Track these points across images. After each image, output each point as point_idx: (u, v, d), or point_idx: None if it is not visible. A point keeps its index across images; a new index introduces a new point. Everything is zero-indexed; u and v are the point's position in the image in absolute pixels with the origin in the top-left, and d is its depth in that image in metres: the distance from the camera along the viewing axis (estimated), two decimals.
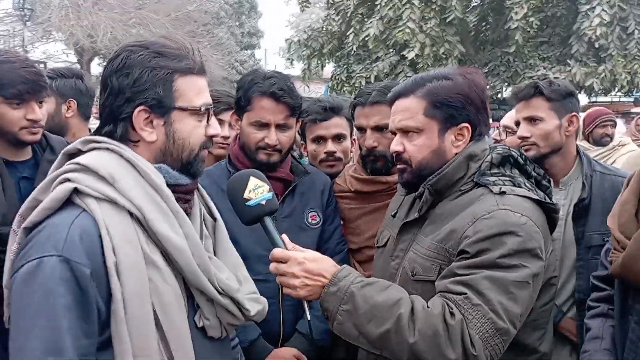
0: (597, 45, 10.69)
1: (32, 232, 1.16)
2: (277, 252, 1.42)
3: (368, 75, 11.80)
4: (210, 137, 1.35)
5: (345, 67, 12.66)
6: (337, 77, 12.89)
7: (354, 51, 12.10)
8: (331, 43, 12.82)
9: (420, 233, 1.56)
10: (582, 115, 4.48)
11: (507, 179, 1.50)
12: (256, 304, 1.38)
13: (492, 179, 1.49)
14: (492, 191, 1.46)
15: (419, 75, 1.59)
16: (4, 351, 1.34)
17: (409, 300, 1.35)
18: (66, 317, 1.08)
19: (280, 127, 1.99)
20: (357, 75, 12.09)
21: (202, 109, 1.29)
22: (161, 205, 1.21)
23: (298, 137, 2.85)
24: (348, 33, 12.07)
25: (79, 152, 1.26)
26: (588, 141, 4.59)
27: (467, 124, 1.53)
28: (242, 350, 1.88)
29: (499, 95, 11.99)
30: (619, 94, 12.13)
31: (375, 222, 2.03)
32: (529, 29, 10.71)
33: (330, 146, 2.36)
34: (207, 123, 1.33)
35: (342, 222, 2.23)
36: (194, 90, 1.29)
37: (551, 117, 2.16)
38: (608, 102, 12.25)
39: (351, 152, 2.53)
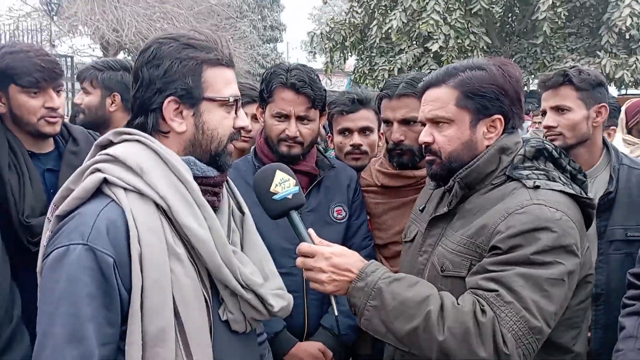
0: (627, 36, 10.40)
1: (64, 220, 1.20)
2: (304, 246, 1.41)
3: (391, 68, 11.67)
4: (239, 130, 1.35)
5: (367, 60, 12.56)
6: (359, 70, 12.80)
7: (377, 44, 11.99)
8: (354, 36, 12.72)
9: (450, 228, 1.52)
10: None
11: (542, 172, 1.46)
12: (281, 300, 1.37)
13: (525, 172, 1.45)
14: (525, 185, 1.41)
15: (452, 65, 1.55)
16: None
17: (439, 297, 1.33)
18: (89, 305, 1.11)
19: (300, 118, 1.97)
20: (380, 68, 11.98)
21: (230, 100, 1.31)
22: (187, 198, 1.23)
23: (323, 131, 2.83)
24: (371, 25, 11.97)
25: (110, 144, 1.30)
26: (631, 134, 4.36)
27: (500, 116, 1.49)
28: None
29: (526, 88, 11.76)
30: None
31: (402, 218, 2.00)
32: (556, 20, 10.47)
33: (357, 139, 2.33)
34: (236, 115, 1.34)
35: (368, 217, 2.20)
36: (222, 81, 1.30)
37: (579, 107, 2.09)
38: (639, 94, 11.92)
39: (379, 145, 2.49)
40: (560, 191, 1.41)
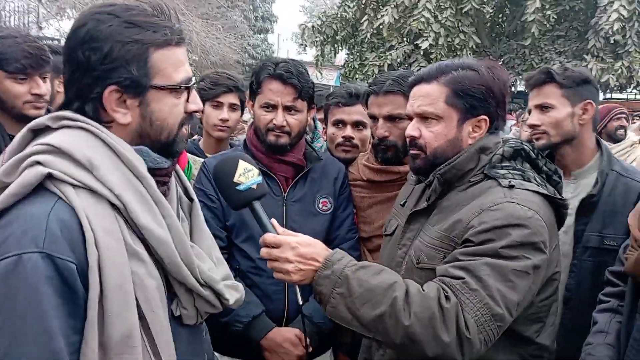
0: (613, 41, 10.55)
1: (1, 221, 1.05)
2: (268, 237, 1.41)
3: (381, 64, 11.73)
4: (190, 114, 1.23)
5: (358, 54, 12.60)
6: (349, 65, 12.83)
7: (368, 39, 12.03)
8: (345, 30, 12.75)
9: (428, 222, 1.57)
10: None
11: (518, 172, 1.51)
12: (235, 292, 1.32)
13: (502, 172, 1.50)
14: (500, 184, 1.46)
15: (444, 63, 1.59)
16: None
17: (404, 284, 1.37)
18: (56, 318, 1.01)
19: (288, 109, 2.02)
20: (370, 63, 12.02)
21: (181, 87, 1.17)
22: (143, 194, 1.12)
23: (312, 122, 2.87)
24: (362, 20, 11.99)
25: (47, 129, 1.13)
26: (600, 137, 4.53)
27: (485, 117, 1.53)
28: (243, 326, 1.94)
29: (513, 88, 11.90)
30: (634, 91, 12.00)
31: (386, 212, 2.04)
32: (545, 22, 10.58)
33: (349, 131, 2.37)
34: (187, 99, 1.20)
35: (354, 210, 2.24)
36: (172, 65, 1.15)
37: (563, 104, 2.04)
38: (624, 99, 12.11)
39: (370, 143, 2.54)
40: (534, 191, 1.46)
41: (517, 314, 1.38)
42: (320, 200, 2.11)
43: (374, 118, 2.14)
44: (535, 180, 1.51)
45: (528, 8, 10.30)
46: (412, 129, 1.57)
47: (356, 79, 13.33)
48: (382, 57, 11.83)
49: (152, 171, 1.17)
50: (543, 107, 2.08)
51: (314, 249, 1.41)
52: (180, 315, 1.23)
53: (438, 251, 1.48)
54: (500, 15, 13.11)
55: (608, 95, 12.66)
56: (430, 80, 1.54)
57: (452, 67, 1.54)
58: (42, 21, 15.95)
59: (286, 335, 2.00)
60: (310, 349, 2.00)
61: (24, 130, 1.15)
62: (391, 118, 2.08)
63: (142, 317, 1.10)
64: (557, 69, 2.08)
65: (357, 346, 2.06)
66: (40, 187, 1.06)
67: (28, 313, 0.99)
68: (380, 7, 11.68)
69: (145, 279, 1.10)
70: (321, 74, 16.18)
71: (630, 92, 12.23)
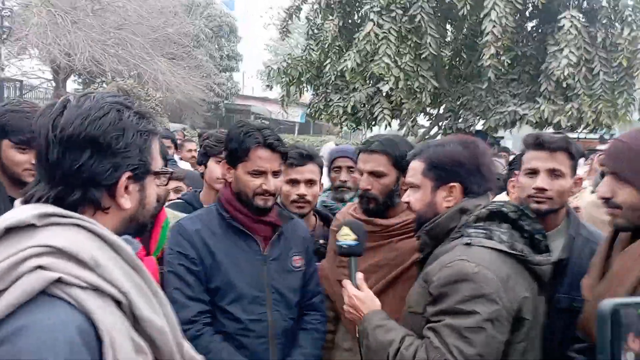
0: (564, 85, 11.14)
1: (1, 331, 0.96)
2: (345, 283, 1.96)
3: (345, 105, 12.02)
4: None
5: (323, 95, 12.88)
6: (315, 106, 13.10)
7: (332, 81, 12.34)
8: (310, 72, 13.05)
9: (422, 273, 1.83)
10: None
11: (482, 232, 1.73)
12: None
13: (471, 230, 1.74)
14: (463, 242, 1.71)
15: (427, 143, 1.99)
16: None
17: (398, 343, 1.68)
18: None
19: (274, 173, 2.14)
20: (334, 104, 12.30)
21: (163, 171, 1.29)
22: (141, 286, 1.13)
23: None
24: (326, 63, 12.31)
25: (31, 227, 1.04)
26: None
27: (456, 184, 1.83)
28: None
29: (472, 128, 12.32)
30: (584, 131, 12.60)
31: (364, 260, 2.17)
32: (500, 67, 11.11)
33: (303, 189, 2.59)
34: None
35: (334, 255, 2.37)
36: (157, 151, 1.25)
37: (570, 175, 2.07)
38: (575, 138, 12.67)
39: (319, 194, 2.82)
40: (491, 248, 1.68)
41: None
42: (293, 258, 2.24)
43: (360, 172, 2.37)
44: (499, 238, 1.71)
45: (484, 54, 10.80)
46: (405, 196, 1.94)
47: (321, 119, 13.61)
48: (346, 98, 12.13)
49: None
50: (555, 173, 2.06)
51: (363, 305, 1.87)
52: None
53: (420, 298, 1.75)
54: (457, 59, 13.67)
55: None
56: (415, 157, 1.92)
57: (430, 145, 1.92)
58: (4, 61, 15.78)
59: None
60: None
61: (3, 231, 1.04)
62: (373, 174, 2.30)
63: None
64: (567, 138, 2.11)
65: None
66: (40, 292, 0.98)
67: None
68: (344, 50, 12.04)
69: None
70: (287, 113, 16.42)
71: (581, 132, 12.83)
